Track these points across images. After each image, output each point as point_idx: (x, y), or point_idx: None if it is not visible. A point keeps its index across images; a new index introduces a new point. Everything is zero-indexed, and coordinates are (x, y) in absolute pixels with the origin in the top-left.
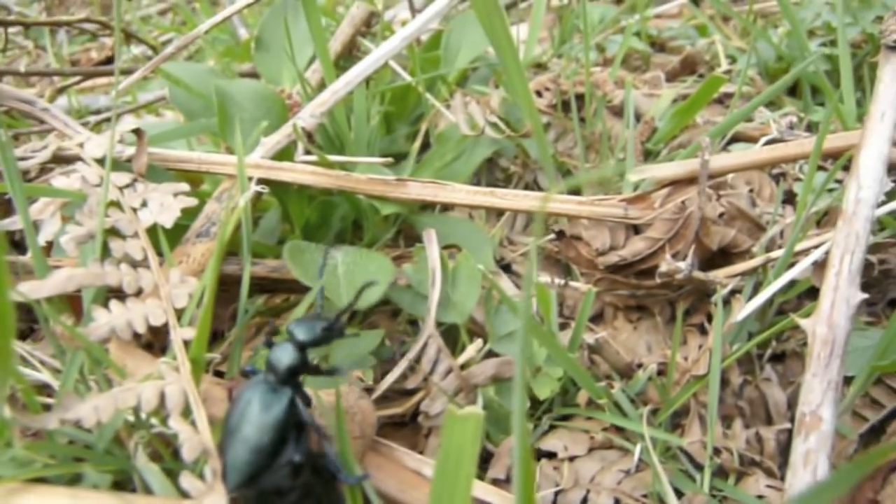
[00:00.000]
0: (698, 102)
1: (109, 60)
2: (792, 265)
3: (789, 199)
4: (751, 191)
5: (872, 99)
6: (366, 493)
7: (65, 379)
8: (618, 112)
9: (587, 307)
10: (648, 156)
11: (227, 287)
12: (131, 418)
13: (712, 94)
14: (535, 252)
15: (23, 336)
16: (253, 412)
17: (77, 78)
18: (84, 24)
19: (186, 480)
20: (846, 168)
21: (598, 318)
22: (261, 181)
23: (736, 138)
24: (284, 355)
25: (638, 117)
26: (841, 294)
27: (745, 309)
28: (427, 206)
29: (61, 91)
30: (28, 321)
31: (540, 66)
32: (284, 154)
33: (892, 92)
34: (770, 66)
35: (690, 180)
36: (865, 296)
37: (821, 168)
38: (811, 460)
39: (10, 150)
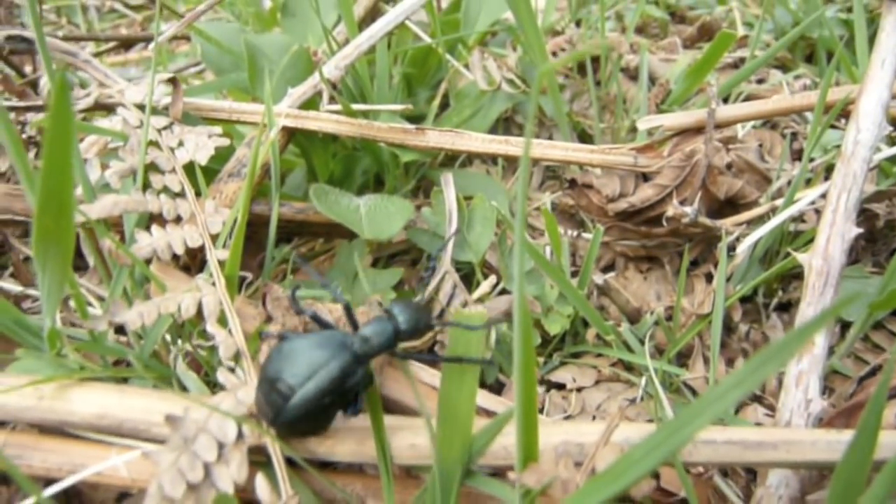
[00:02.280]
0: (710, 60)
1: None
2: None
3: (800, 157)
4: (760, 146)
5: (874, 48)
6: (384, 400)
7: (112, 290)
8: (634, 76)
9: (595, 246)
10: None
11: (256, 230)
12: (169, 338)
13: (724, 51)
14: (525, 178)
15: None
16: (327, 370)
17: (111, 44)
18: None
19: (222, 375)
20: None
21: (610, 269)
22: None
23: (750, 99)
24: (383, 336)
25: (654, 81)
26: (837, 229)
27: (746, 241)
28: (446, 164)
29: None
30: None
31: (557, 34)
32: (310, 105)
33: (893, 41)
34: (787, 32)
35: (698, 130)
36: (860, 230)
37: (833, 127)
38: (803, 381)
39: (68, 91)
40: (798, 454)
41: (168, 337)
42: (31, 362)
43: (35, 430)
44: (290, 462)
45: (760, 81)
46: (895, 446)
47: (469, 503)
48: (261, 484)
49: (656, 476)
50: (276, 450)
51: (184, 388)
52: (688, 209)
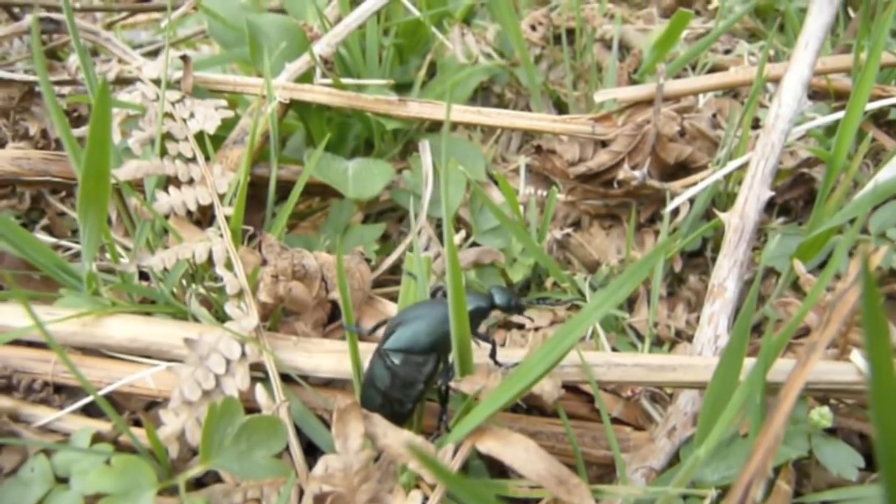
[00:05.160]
0: (672, 35)
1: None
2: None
3: (757, 126)
4: (714, 115)
5: (801, 30)
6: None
7: (137, 240)
8: (611, 46)
9: (551, 203)
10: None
11: (258, 190)
12: (185, 282)
13: (682, 28)
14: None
15: None
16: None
17: (123, 14)
18: None
19: (229, 307)
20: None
21: (577, 226)
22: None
23: (715, 69)
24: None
25: (630, 51)
26: (754, 192)
27: (679, 198)
28: (432, 129)
29: (109, 27)
30: None
31: (542, 4)
32: (305, 78)
33: (817, 24)
34: (760, 5)
35: (649, 102)
36: (772, 193)
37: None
38: (714, 320)
39: (91, 69)
40: (693, 375)
41: (184, 281)
42: (72, 299)
43: (79, 352)
44: (284, 378)
45: (728, 52)
46: (751, 370)
47: (427, 411)
48: (260, 392)
49: (590, 399)
50: (272, 366)
51: (197, 322)
52: (637, 173)
